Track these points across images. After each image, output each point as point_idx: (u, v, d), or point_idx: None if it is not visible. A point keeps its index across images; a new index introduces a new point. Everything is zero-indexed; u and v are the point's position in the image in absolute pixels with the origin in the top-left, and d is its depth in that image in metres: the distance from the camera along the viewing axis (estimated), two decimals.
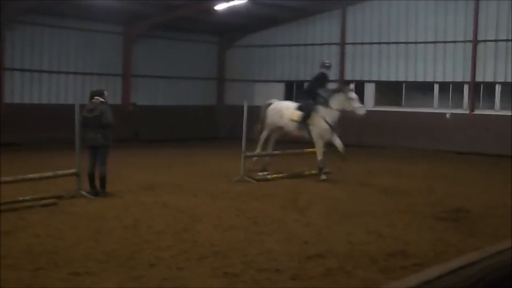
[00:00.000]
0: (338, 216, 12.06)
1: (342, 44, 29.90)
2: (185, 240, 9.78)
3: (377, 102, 29.10)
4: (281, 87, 31.53)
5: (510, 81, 25.90)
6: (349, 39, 29.80)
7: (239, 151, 16.74)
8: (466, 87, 27.11)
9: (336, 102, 16.86)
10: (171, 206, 12.58)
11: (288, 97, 31.09)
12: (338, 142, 16.96)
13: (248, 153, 16.87)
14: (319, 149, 16.82)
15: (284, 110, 17.72)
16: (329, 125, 16.80)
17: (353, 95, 17.23)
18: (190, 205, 12.72)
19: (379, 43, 28.91)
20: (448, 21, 27.23)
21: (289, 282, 7.77)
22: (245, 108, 16.56)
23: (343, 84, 20.95)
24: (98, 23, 27.24)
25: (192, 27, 30.19)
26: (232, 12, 27.99)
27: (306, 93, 17.98)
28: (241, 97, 27.72)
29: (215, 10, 27.42)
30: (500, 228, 10.97)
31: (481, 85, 26.84)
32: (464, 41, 26.93)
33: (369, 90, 29.28)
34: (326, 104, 16.94)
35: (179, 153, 23.23)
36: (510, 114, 25.50)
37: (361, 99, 28.85)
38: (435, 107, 27.92)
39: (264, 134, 18.25)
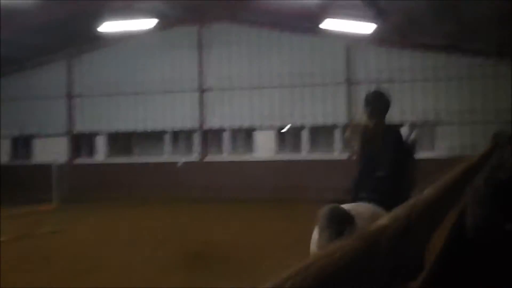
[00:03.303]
0: (70, 274, 11.44)
1: (70, 96, 29.18)
2: None
3: (110, 154, 28.69)
4: (7, 144, 29.91)
5: (237, 127, 27.01)
6: (76, 91, 29.18)
7: None
8: (196, 135, 27.76)
9: None
10: None
11: (13, 155, 29.68)
12: None
13: None
14: None
15: None
16: None
17: None
18: None
19: (108, 95, 28.63)
20: (175, 71, 27.84)
21: None
22: None
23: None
24: None
25: None
26: None
27: None
28: None
29: None
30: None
31: (209, 133, 27.65)
32: (191, 91, 27.64)
33: (100, 142, 28.80)
34: None
35: None
36: (238, 159, 26.54)
37: (91, 152, 28.59)
38: (167, 156, 28.16)
39: None
